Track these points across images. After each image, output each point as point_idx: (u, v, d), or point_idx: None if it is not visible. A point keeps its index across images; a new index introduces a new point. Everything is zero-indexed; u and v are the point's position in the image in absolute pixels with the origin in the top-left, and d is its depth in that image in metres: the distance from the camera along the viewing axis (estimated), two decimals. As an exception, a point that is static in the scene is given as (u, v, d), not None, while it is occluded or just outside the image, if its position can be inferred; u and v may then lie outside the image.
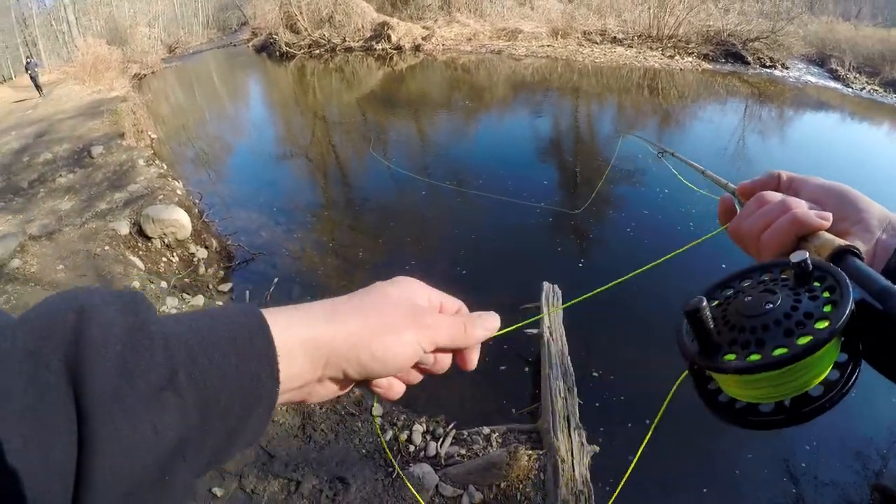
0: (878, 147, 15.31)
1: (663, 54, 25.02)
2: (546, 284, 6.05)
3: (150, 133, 15.99)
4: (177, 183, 10.58)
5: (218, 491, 4.16)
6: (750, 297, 0.55)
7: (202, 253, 8.31)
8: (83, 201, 9.51)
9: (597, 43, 27.62)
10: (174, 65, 34.79)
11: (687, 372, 0.60)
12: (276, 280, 7.59)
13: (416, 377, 0.63)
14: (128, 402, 0.38)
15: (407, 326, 0.56)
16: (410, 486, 4.11)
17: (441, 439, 4.65)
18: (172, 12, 49.72)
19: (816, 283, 0.54)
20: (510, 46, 27.88)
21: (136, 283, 6.80)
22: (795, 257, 0.54)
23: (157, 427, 0.39)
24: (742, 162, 12.74)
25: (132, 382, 0.39)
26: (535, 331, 5.62)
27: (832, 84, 22.15)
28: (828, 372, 0.50)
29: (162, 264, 7.85)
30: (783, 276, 0.58)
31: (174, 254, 8.15)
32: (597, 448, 4.37)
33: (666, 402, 0.82)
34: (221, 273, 8.12)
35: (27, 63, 22.50)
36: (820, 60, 25.69)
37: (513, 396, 5.55)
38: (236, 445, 0.48)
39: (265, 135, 17.41)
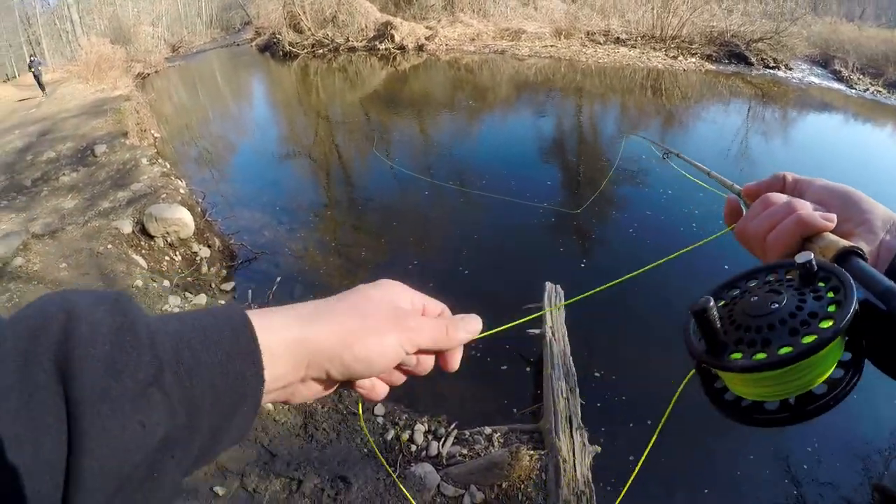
0: (881, 148, 15.28)
1: (667, 55, 24.99)
2: (549, 284, 6.05)
3: (153, 132, 16.00)
4: (180, 182, 10.60)
5: (220, 490, 4.16)
6: (756, 297, 0.56)
7: (205, 252, 8.32)
8: (86, 200, 9.52)
9: (600, 43, 27.59)
10: (177, 64, 34.80)
11: (694, 371, 0.61)
12: (278, 279, 7.60)
13: (400, 378, 0.64)
14: (116, 399, 0.39)
15: (389, 329, 0.57)
16: (406, 491, 4.12)
17: (443, 439, 4.65)
18: (176, 11, 49.71)
19: (821, 284, 0.54)
20: (513, 47, 27.86)
21: (139, 282, 6.81)
22: (800, 258, 0.55)
23: (144, 424, 0.40)
24: (745, 163, 12.73)
25: (120, 381, 0.40)
26: (537, 331, 5.62)
27: (836, 85, 22.08)
28: (832, 370, 0.51)
29: (165, 263, 7.87)
30: (788, 277, 0.58)
31: (177, 253, 8.16)
32: (598, 448, 4.37)
33: (672, 402, 0.82)
34: (224, 272, 8.12)
35: (31, 62, 22.54)
36: (823, 61, 25.62)
37: (514, 396, 5.55)
38: (222, 443, 0.48)
39: (268, 134, 17.43)
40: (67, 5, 41.31)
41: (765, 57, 24.14)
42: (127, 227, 8.09)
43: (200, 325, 0.47)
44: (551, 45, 27.57)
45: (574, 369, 5.04)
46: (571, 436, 4.33)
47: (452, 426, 4.81)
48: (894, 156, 14.70)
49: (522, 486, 4.08)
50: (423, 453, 4.54)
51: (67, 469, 0.37)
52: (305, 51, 30.10)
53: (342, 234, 9.45)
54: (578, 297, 0.92)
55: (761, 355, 0.50)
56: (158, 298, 6.59)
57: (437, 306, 0.66)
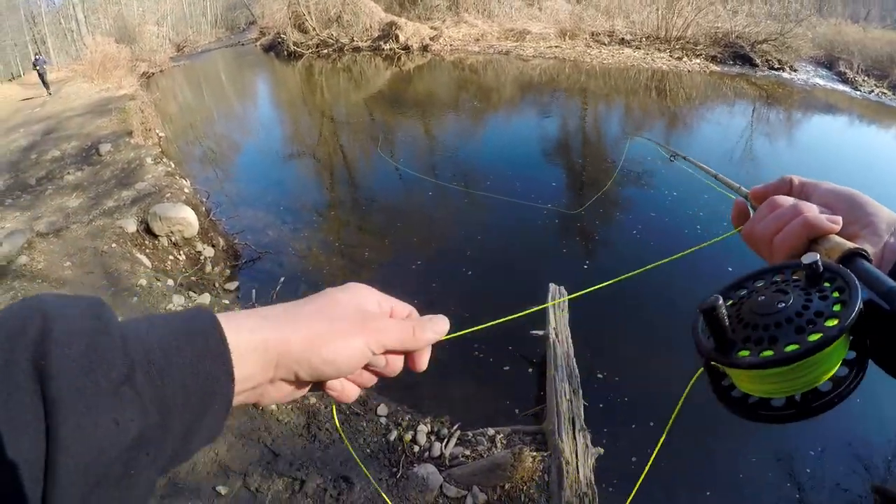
0: (886, 150, 15.24)
1: (671, 56, 24.97)
2: (552, 286, 6.04)
3: (157, 131, 16.03)
4: (184, 181, 10.61)
5: (222, 489, 4.17)
6: (763, 297, 0.57)
7: (209, 251, 8.33)
8: (91, 199, 9.54)
9: (605, 44, 27.60)
10: (182, 63, 34.87)
11: (700, 371, 0.62)
12: (282, 279, 7.60)
13: (370, 379, 0.65)
14: (90, 398, 0.40)
15: (355, 331, 0.59)
16: (384, 495, 4.12)
17: (446, 440, 4.65)
18: (181, 11, 49.85)
19: (826, 284, 0.56)
20: (518, 47, 27.89)
21: (143, 281, 6.82)
22: (807, 259, 0.56)
23: (118, 422, 0.41)
24: (750, 164, 12.71)
25: (94, 380, 0.41)
26: (540, 332, 5.63)
27: (840, 87, 22.05)
28: (837, 368, 0.52)
29: (169, 262, 7.88)
30: (795, 277, 0.60)
31: (181, 252, 8.18)
32: (601, 450, 4.37)
33: (680, 403, 0.82)
34: (228, 271, 8.13)
35: (35, 60, 22.58)
36: (828, 63, 25.58)
37: (517, 398, 5.55)
38: (195, 442, 0.49)
39: (273, 134, 17.46)
40: (73, 4, 41.52)
41: (769, 58, 24.12)
42: (131, 226, 8.11)
43: (171, 327, 0.49)
44: (556, 46, 27.58)
45: (577, 370, 5.03)
46: (574, 437, 4.32)
47: (455, 427, 4.81)
48: (899, 158, 14.67)
49: (525, 488, 4.08)
50: (426, 454, 4.54)
51: (45, 465, 0.38)
52: (310, 51, 30.16)
53: (346, 234, 9.46)
54: (582, 293, 0.93)
55: (768, 352, 0.51)
56: (162, 297, 6.61)
57: (404, 308, 0.68)
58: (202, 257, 8.18)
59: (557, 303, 5.84)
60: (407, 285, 7.46)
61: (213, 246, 8.49)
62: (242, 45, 42.25)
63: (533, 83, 21.95)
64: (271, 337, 0.54)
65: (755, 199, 0.78)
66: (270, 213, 9.96)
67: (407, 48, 28.75)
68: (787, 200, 0.70)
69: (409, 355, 0.65)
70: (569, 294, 5.80)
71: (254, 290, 7.47)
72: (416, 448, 4.60)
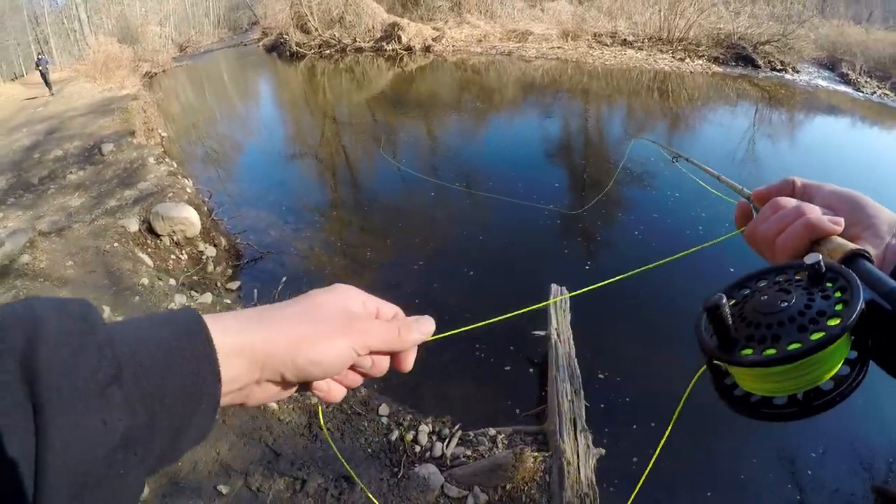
0: (888, 151, 15.22)
1: (673, 57, 24.97)
2: (554, 286, 6.04)
3: (160, 131, 16.06)
4: (186, 181, 10.62)
5: (223, 488, 4.17)
6: (766, 296, 0.58)
7: (211, 251, 8.34)
8: (93, 198, 9.55)
9: (607, 45, 27.61)
10: (185, 64, 34.91)
11: (701, 371, 0.63)
12: (284, 279, 7.60)
13: (356, 380, 0.66)
14: (78, 398, 0.40)
15: (340, 332, 0.59)
16: (370, 494, 4.12)
17: (447, 440, 4.65)
18: (183, 11, 49.93)
19: (829, 284, 0.56)
20: (520, 48, 27.87)
21: (145, 280, 6.83)
22: (809, 259, 0.57)
23: (106, 421, 0.41)
24: (752, 165, 12.70)
25: (82, 380, 0.41)
26: (542, 333, 5.63)
27: (843, 88, 22.02)
28: (838, 367, 0.53)
29: (171, 262, 7.89)
30: (797, 277, 0.60)
31: (183, 251, 8.19)
32: (603, 451, 4.37)
33: (682, 403, 0.82)
34: (230, 271, 8.14)
35: (38, 60, 22.61)
36: (831, 64, 25.56)
37: (519, 398, 5.55)
38: (183, 442, 0.50)
39: (275, 134, 17.46)
40: (75, 4, 41.57)
41: (772, 59, 24.10)
42: (133, 225, 8.12)
43: (157, 329, 0.49)
44: (558, 47, 27.58)
45: (579, 371, 5.03)
46: (576, 438, 4.32)
47: (457, 427, 4.81)
48: (901, 159, 14.66)
49: (526, 488, 4.08)
50: (428, 454, 4.54)
51: (35, 465, 0.38)
52: (312, 51, 30.16)
53: (348, 234, 9.46)
54: (585, 290, 0.93)
55: (771, 351, 0.52)
56: (164, 297, 6.62)
57: (390, 309, 0.68)
58: (204, 257, 8.19)
59: (559, 300, 5.84)
60: (409, 285, 7.47)
61: (215, 245, 8.50)
62: (245, 45, 42.29)
63: (535, 84, 21.94)
64: (257, 339, 0.54)
65: (758, 200, 0.78)
66: (272, 212, 9.97)
67: (409, 49, 28.76)
68: (789, 202, 0.70)
69: (394, 356, 0.66)
70: (571, 296, 5.82)
71: (256, 290, 7.47)
72: (418, 448, 4.60)
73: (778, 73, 23.36)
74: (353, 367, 0.63)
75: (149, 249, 7.89)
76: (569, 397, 4.67)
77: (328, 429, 4.75)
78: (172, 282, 7.12)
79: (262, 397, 0.59)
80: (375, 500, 4.08)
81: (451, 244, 8.71)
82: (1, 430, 0.37)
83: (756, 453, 5.04)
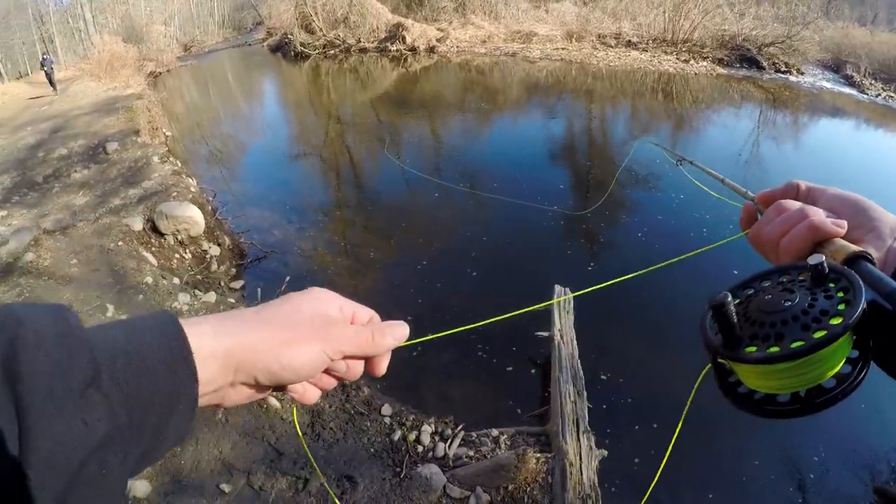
0: (892, 154, 15.19)
1: (678, 58, 24.93)
2: (558, 287, 6.04)
3: (164, 130, 16.09)
4: (190, 180, 10.65)
5: (226, 487, 4.18)
6: (770, 296, 0.59)
7: (215, 250, 8.35)
8: (97, 197, 9.57)
9: (611, 46, 27.57)
10: (189, 63, 34.96)
11: (710, 366, 0.63)
12: (287, 278, 7.62)
13: (331, 383, 0.67)
14: (59, 399, 0.41)
15: (313, 337, 0.60)
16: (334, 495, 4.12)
17: (449, 440, 4.66)
18: (188, 11, 49.99)
19: (831, 285, 0.57)
20: (525, 49, 27.85)
21: (149, 279, 6.84)
22: (812, 260, 0.58)
23: (87, 422, 0.42)
24: (757, 167, 12.68)
25: (62, 382, 0.42)
26: (545, 333, 5.63)
27: (847, 90, 21.98)
28: (840, 366, 0.54)
29: (175, 261, 7.90)
30: (800, 278, 0.61)
31: (187, 250, 8.20)
32: (605, 452, 4.36)
33: (689, 401, 0.83)
34: (233, 270, 8.15)
35: (43, 60, 22.70)
36: (835, 66, 25.53)
37: (521, 399, 5.55)
38: (164, 443, 0.51)
39: (279, 134, 17.49)
40: (80, 4, 41.63)
41: (776, 61, 24.07)
42: (138, 224, 8.14)
43: (134, 330, 0.50)
44: (562, 48, 27.55)
45: (582, 372, 5.03)
46: (578, 439, 4.32)
47: (459, 428, 4.81)
48: (906, 161, 14.63)
49: (528, 489, 4.08)
50: (430, 454, 4.54)
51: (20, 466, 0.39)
52: (317, 51, 30.17)
53: (352, 234, 9.47)
54: (588, 290, 0.94)
55: (775, 349, 0.53)
56: (168, 295, 6.63)
57: (366, 313, 0.69)
58: (208, 256, 8.21)
59: (562, 301, 5.84)
60: (411, 285, 7.47)
61: (218, 245, 8.51)
62: (249, 45, 42.29)
63: (539, 85, 21.93)
64: (231, 342, 0.55)
65: (762, 203, 0.79)
66: (276, 212, 9.98)
67: (413, 49, 28.75)
68: (793, 204, 0.71)
69: (368, 360, 0.66)
70: (574, 297, 5.81)
71: (259, 289, 7.48)
72: (420, 448, 4.60)
73: (782, 75, 23.32)
74: (327, 371, 0.64)
75: (153, 248, 7.90)
76: (571, 398, 4.67)
77: (329, 428, 4.75)
78: (176, 280, 7.14)
79: (237, 398, 0.60)
80: (332, 491, 4.08)
81: (454, 244, 8.71)
82: None
83: (758, 454, 5.04)
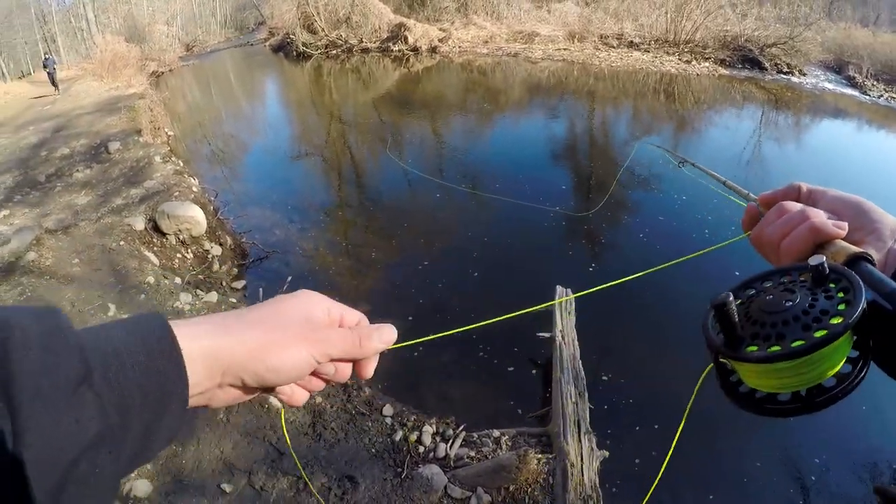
0: (894, 155, 15.17)
1: (680, 59, 24.93)
2: (559, 288, 6.05)
3: (166, 130, 16.12)
4: (192, 180, 10.65)
5: (227, 487, 4.18)
6: (771, 296, 0.60)
7: (216, 250, 8.36)
8: (99, 196, 9.58)
9: (613, 47, 27.57)
10: (191, 63, 34.99)
11: (712, 365, 0.64)
12: (289, 278, 7.63)
13: (318, 385, 0.67)
14: (50, 398, 0.42)
15: (300, 340, 0.60)
16: (317, 495, 4.12)
17: (451, 441, 4.66)
18: (190, 11, 50.04)
19: (832, 285, 0.58)
20: (527, 49, 27.86)
21: (151, 279, 6.85)
22: (813, 261, 0.58)
23: (78, 420, 0.43)
24: (758, 168, 12.67)
25: (53, 381, 0.42)
26: (547, 334, 5.63)
27: (849, 91, 21.97)
28: (841, 365, 0.54)
29: (176, 260, 7.91)
30: (801, 279, 0.62)
31: (189, 250, 8.21)
32: (606, 453, 4.36)
33: (692, 400, 0.83)
34: (235, 270, 8.15)
35: (45, 61, 22.74)
36: (837, 67, 25.51)
37: (523, 400, 5.55)
38: (156, 442, 0.51)
39: (281, 134, 17.51)
40: (83, 3, 41.71)
41: (778, 62, 24.06)
42: (139, 224, 8.15)
43: (124, 331, 0.51)
44: (564, 49, 27.55)
45: (583, 373, 5.03)
46: (580, 440, 4.32)
47: (461, 428, 4.81)
48: (908, 163, 14.61)
49: (529, 490, 4.08)
50: (431, 455, 4.54)
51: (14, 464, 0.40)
52: (319, 51, 30.20)
53: (353, 234, 9.47)
54: (590, 291, 0.94)
55: (776, 348, 0.54)
56: (170, 295, 6.63)
57: (354, 316, 0.69)
58: (210, 256, 8.21)
59: (563, 301, 5.84)
60: (413, 285, 7.47)
61: (220, 244, 8.52)
62: (251, 45, 42.35)
63: (541, 85, 21.93)
64: (218, 345, 0.55)
65: (764, 204, 0.80)
66: (278, 212, 9.99)
67: (415, 49, 28.77)
68: (794, 206, 0.72)
69: (356, 363, 0.67)
70: (576, 298, 5.81)
71: (261, 289, 7.49)
72: (422, 448, 4.60)
73: (784, 76, 23.31)
74: (315, 374, 0.64)
75: (155, 248, 7.91)
76: (573, 399, 4.67)
77: (331, 428, 4.76)
78: (178, 280, 7.14)
79: (225, 399, 0.60)
80: (313, 488, 4.08)
81: (455, 245, 8.71)
82: None
83: (759, 455, 5.04)
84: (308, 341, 0.60)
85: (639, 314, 6.70)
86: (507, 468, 4.15)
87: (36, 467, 0.39)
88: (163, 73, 29.69)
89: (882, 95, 21.17)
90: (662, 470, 2.49)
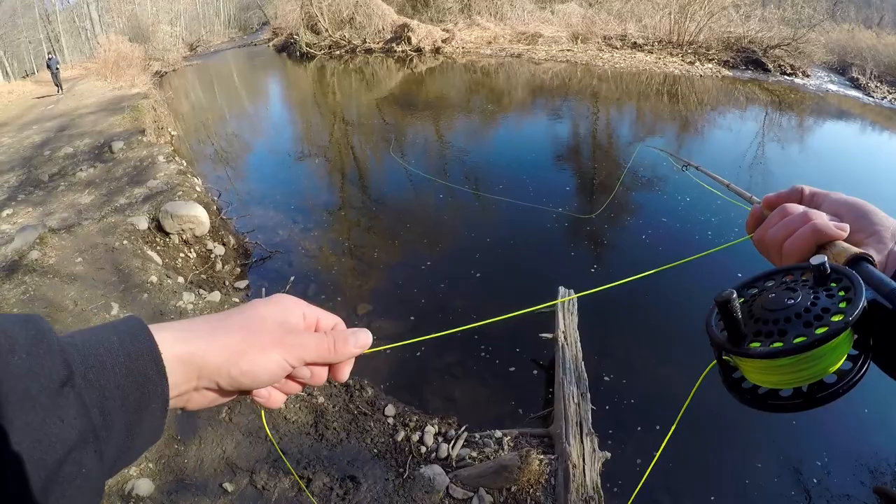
0: (898, 157, 15.17)
1: (683, 60, 24.93)
2: (562, 289, 6.04)
3: (170, 130, 16.13)
4: (196, 180, 10.67)
5: (229, 486, 4.18)
6: (773, 295, 0.61)
7: (219, 250, 8.37)
8: (103, 196, 9.60)
9: (617, 48, 27.58)
10: (195, 63, 35.07)
11: (715, 362, 0.65)
12: (292, 278, 7.64)
13: (295, 388, 0.69)
14: (35, 398, 0.44)
15: (273, 345, 0.62)
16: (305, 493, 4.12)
17: (453, 441, 4.66)
18: (194, 11, 50.15)
19: (833, 284, 0.59)
20: (530, 50, 27.89)
21: (154, 278, 6.86)
22: (815, 260, 0.60)
23: (63, 419, 0.44)
24: (761, 170, 12.64)
25: (37, 382, 0.44)
26: (549, 335, 5.63)
27: (853, 93, 21.92)
28: (841, 362, 0.56)
29: (179, 260, 7.91)
30: (803, 278, 0.63)
31: (192, 250, 8.22)
32: (608, 454, 4.36)
33: (690, 397, 0.84)
34: (238, 270, 8.16)
35: (48, 61, 22.80)
36: (841, 69, 25.48)
37: (525, 400, 5.54)
38: (138, 442, 0.53)
39: (284, 134, 17.54)
40: (87, 3, 41.88)
41: (782, 63, 24.03)
42: (143, 223, 8.16)
43: (104, 334, 0.53)
44: (568, 50, 27.58)
45: (586, 374, 5.03)
46: (582, 441, 4.32)
47: (463, 429, 4.81)
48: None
49: (531, 491, 4.08)
50: (433, 455, 4.54)
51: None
52: (322, 52, 30.28)
53: (356, 234, 9.47)
54: (593, 291, 0.95)
55: (778, 344, 0.55)
56: (173, 295, 6.64)
57: (330, 320, 0.70)
58: (213, 255, 8.22)
59: (566, 301, 5.84)
60: (415, 286, 7.47)
61: (223, 244, 8.53)
62: (255, 45, 42.48)
63: (545, 86, 21.92)
64: (193, 349, 0.57)
65: (767, 207, 0.81)
66: (281, 212, 10.00)
67: (419, 50, 28.80)
68: (797, 208, 0.73)
69: (331, 367, 0.68)
70: (578, 299, 5.81)
71: (263, 289, 7.50)
72: (424, 449, 4.60)
73: (788, 78, 23.27)
74: (291, 377, 0.66)
75: (158, 247, 7.92)
76: (575, 400, 4.67)
77: (333, 428, 4.76)
78: (181, 280, 7.15)
79: (201, 402, 0.61)
80: (303, 484, 4.08)
81: (458, 245, 8.70)
82: None
83: (760, 456, 5.03)
84: (282, 346, 0.62)
85: (642, 315, 6.69)
86: (509, 469, 4.15)
87: (24, 465, 0.41)
88: (166, 72, 29.79)
89: (885, 97, 21.11)
90: (653, 463, 2.50)
